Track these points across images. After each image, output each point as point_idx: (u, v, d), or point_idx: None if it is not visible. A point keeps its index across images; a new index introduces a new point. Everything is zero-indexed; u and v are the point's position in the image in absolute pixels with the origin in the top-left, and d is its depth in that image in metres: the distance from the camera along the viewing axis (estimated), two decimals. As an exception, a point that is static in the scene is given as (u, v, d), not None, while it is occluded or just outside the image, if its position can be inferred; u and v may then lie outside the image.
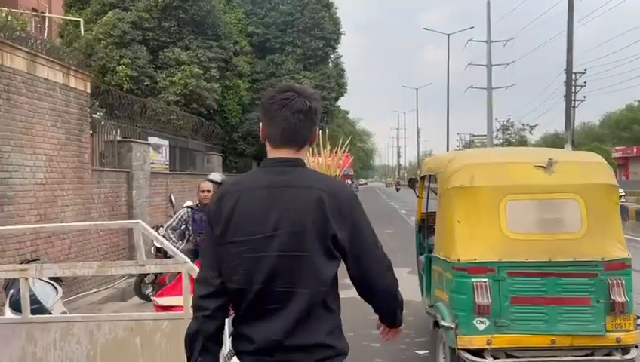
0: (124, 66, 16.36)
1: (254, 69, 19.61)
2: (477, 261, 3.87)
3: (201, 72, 17.05)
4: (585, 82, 50.39)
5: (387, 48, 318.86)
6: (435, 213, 4.79)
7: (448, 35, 53.56)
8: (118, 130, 12.75)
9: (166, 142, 13.97)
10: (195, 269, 3.09)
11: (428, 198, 5.75)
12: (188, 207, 6.09)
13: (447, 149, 59.69)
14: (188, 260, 3.24)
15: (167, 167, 14.06)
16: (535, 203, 3.94)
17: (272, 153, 1.84)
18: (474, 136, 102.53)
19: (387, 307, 1.96)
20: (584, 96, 50.50)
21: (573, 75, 49.79)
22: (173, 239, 5.88)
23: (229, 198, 1.80)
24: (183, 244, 5.91)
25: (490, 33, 42.70)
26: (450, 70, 50.15)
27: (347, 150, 13.38)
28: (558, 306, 3.79)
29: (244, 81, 19.21)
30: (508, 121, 71.68)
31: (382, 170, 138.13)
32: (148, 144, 12.27)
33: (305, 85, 2.26)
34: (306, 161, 1.87)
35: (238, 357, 1.79)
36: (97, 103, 16.64)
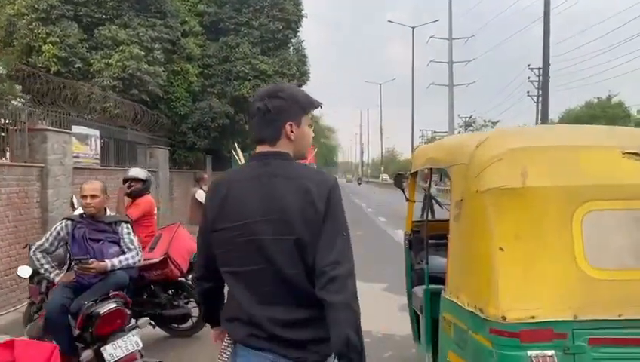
0: (50, 45, 14.25)
1: (206, 53, 17.67)
2: (536, 320, 2.21)
3: (143, 53, 15.03)
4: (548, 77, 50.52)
5: (350, 43, 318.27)
6: (439, 222, 3.15)
7: (413, 27, 53.49)
8: (46, 120, 10.73)
9: (96, 133, 11.98)
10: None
11: (430, 202, 4.07)
12: (67, 218, 4.22)
13: (412, 145, 59.16)
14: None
15: (98, 161, 12.05)
16: (633, 216, 2.29)
17: (256, 149, 2.01)
18: (436, 132, 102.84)
19: (335, 317, 1.78)
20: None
21: (536, 71, 50.00)
22: (46, 267, 4.03)
23: (221, 188, 1.96)
24: (61, 275, 4.06)
25: (451, 30, 43.30)
26: (416, 66, 49.45)
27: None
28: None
29: (194, 65, 17.25)
30: (470, 117, 71.98)
31: (344, 167, 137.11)
32: (69, 133, 10.25)
33: (283, 84, 2.21)
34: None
35: (245, 342, 1.87)
36: (19, 88, 14.52)
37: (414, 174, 4.14)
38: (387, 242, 13.57)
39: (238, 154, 11.13)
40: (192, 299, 5.06)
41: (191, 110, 17.50)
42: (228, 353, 1.92)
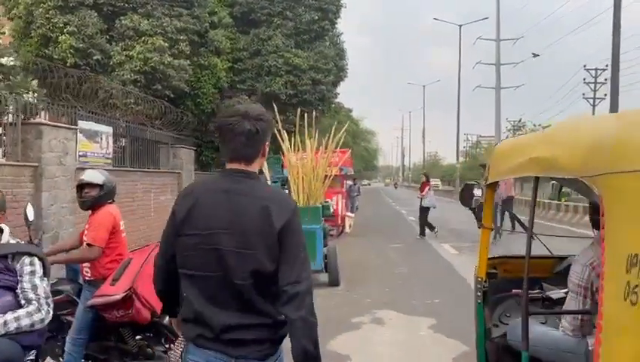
0: (67, 36, 13.25)
1: (235, 46, 16.49)
2: None
3: (167, 45, 13.92)
4: (606, 79, 48.27)
5: (392, 47, 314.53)
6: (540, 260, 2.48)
7: (460, 25, 51.43)
8: (46, 113, 9.71)
9: (108, 129, 10.87)
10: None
11: (530, 231, 2.63)
12: None
13: (457, 149, 56.90)
14: None
15: (111, 161, 10.92)
16: None
17: (228, 165, 2.15)
18: (481, 137, 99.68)
19: (295, 331, 1.98)
20: (605, 94, 48.42)
21: (593, 72, 47.34)
22: None
23: (192, 195, 2.12)
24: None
25: (499, 31, 42.19)
26: (460, 65, 47.61)
27: (340, 142, 10.19)
28: None
29: (223, 59, 16.07)
30: (519, 121, 69.15)
31: (385, 171, 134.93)
32: (72, 129, 9.12)
33: (254, 105, 2.26)
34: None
35: (194, 342, 2.04)
36: (34, 83, 13.60)
37: (492, 185, 2.64)
38: (432, 259, 11.99)
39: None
40: (172, 345, 3.66)
41: (218, 107, 16.31)
42: (179, 350, 2.21)
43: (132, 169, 11.86)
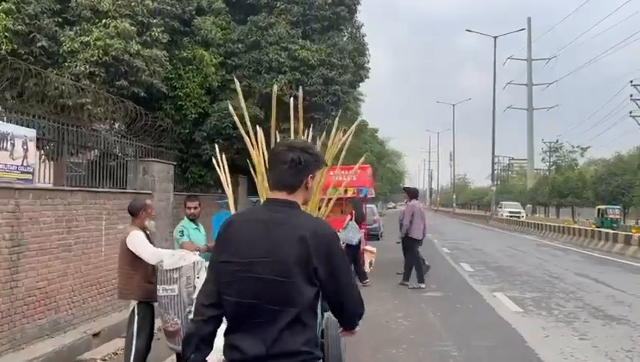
0: (3, 15, 10.28)
1: (229, 37, 13.48)
2: None
3: (135, 29, 10.88)
4: None
5: (421, 68, 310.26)
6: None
7: (495, 37, 48.61)
8: None
9: (29, 133, 7.81)
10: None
11: None
12: None
13: (493, 172, 53.09)
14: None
15: (31, 177, 7.82)
16: None
17: (270, 194, 2.34)
18: (513, 160, 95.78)
19: (352, 323, 2.40)
20: None
21: (634, 88, 44.01)
22: None
23: (235, 225, 2.30)
24: None
25: (530, 51, 41.55)
26: (488, 88, 44.99)
27: (346, 144, 6.53)
28: None
29: (213, 53, 13.02)
30: (556, 142, 65.66)
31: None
32: None
33: (303, 139, 2.75)
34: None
35: None
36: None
37: None
38: (488, 321, 8.50)
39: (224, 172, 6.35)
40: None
41: (206, 112, 13.17)
42: None
43: (68, 188, 8.71)
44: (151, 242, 5.37)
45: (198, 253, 5.26)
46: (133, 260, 5.06)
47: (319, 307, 5.45)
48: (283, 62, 13.04)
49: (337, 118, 5.34)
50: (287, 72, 13.05)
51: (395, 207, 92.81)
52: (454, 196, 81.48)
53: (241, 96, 5.30)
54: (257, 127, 6.20)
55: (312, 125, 10.60)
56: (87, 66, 10.81)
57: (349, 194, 12.53)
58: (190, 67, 12.84)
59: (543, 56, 52.09)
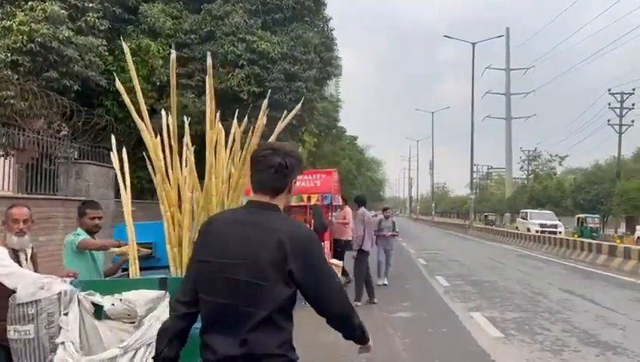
0: None
1: (180, 27, 12.17)
2: None
3: (66, 13, 9.59)
4: (633, 104, 45.47)
5: (401, 78, 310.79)
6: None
7: (473, 43, 47.98)
8: None
9: None
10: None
11: None
12: None
13: (472, 180, 52.36)
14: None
15: None
16: None
17: (252, 197, 2.32)
18: (492, 168, 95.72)
19: (342, 326, 2.36)
20: (632, 121, 45.13)
21: (619, 96, 43.91)
22: None
23: (215, 225, 2.32)
24: None
25: (509, 61, 41.56)
26: (467, 98, 44.76)
27: (284, 124, 5.26)
28: None
29: (162, 43, 11.69)
30: (535, 150, 65.53)
31: (393, 202, 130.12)
32: None
33: (287, 143, 2.63)
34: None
35: None
36: None
37: None
38: (459, 339, 7.35)
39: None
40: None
41: (153, 109, 11.84)
42: None
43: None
44: (18, 262, 4.07)
45: (68, 279, 3.94)
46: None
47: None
48: (240, 55, 11.81)
49: (266, 100, 4.11)
50: (245, 66, 11.82)
51: (376, 216, 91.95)
52: (433, 204, 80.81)
53: (131, 65, 3.96)
54: (185, 117, 4.94)
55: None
56: (10, 54, 9.51)
57: (313, 201, 11.32)
58: (134, 58, 11.55)
59: (522, 66, 51.85)
